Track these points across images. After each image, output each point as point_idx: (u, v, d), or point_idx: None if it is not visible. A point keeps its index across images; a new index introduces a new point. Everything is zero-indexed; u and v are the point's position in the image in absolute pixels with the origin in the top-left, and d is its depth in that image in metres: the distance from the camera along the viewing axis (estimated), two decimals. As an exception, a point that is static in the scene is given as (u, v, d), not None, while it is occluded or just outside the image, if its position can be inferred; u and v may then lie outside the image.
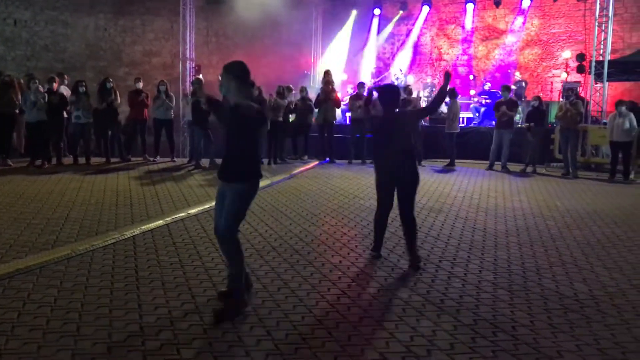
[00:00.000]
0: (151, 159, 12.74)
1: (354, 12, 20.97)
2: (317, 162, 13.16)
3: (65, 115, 11.95)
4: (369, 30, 21.34)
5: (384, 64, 21.22)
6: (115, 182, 9.94)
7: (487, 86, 17.76)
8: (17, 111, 11.76)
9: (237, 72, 4.22)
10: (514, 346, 3.73)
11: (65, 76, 13.91)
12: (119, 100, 12.66)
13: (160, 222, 6.87)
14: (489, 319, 4.17)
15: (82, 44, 19.59)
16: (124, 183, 9.82)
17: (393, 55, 21.54)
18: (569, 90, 13.08)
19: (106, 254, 5.55)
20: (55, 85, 12.15)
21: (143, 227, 6.59)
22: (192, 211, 7.54)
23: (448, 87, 6.04)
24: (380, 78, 19.10)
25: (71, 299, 4.32)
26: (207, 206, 7.85)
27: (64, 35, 19.47)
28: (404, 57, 21.21)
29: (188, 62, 17.56)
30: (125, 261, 5.34)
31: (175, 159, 12.93)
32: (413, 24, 21.06)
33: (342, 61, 21.12)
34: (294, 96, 14.10)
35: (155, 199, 8.42)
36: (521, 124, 14.78)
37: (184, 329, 3.84)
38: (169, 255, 5.57)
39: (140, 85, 12.94)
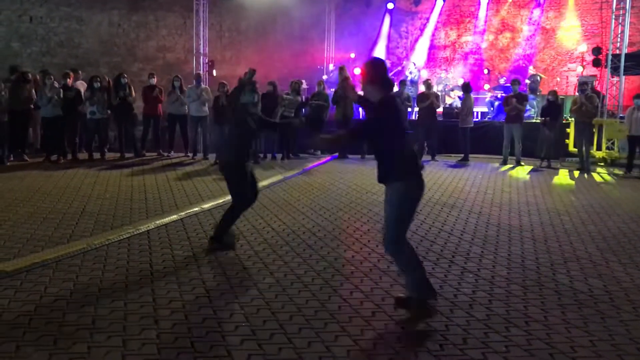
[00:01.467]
0: (165, 154, 12.82)
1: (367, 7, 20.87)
2: (329, 157, 13.16)
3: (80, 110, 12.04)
4: (381, 25, 21.24)
5: (397, 58, 21.11)
6: (130, 177, 10.02)
7: (502, 80, 17.62)
8: (32, 107, 11.88)
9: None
10: (527, 341, 3.72)
11: (80, 71, 13.97)
12: (134, 95, 12.74)
13: (174, 217, 6.92)
14: (502, 314, 4.16)
15: (96, 40, 19.71)
16: (139, 178, 9.90)
17: (406, 50, 21.44)
18: (585, 84, 12.93)
19: (121, 248, 5.61)
20: (69, 80, 12.25)
21: (157, 222, 6.65)
22: (206, 206, 7.58)
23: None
24: (393, 72, 18.99)
25: (87, 293, 4.38)
26: (220, 201, 7.89)
27: (79, 31, 19.61)
28: (417, 51, 21.09)
29: (201, 57, 17.62)
30: (140, 255, 5.39)
31: (197, 154, 12.86)
32: (427, 18, 20.92)
33: (355, 56, 21.04)
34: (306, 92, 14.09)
35: (170, 194, 8.48)
36: (536, 118, 14.65)
37: (198, 322, 3.87)
38: (183, 249, 5.62)
39: (154, 80, 13.00)
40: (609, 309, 4.35)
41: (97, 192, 8.48)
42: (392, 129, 3.99)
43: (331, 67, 19.27)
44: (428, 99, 13.26)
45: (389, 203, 4.03)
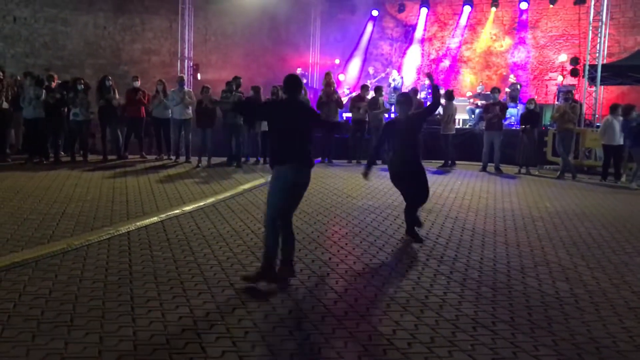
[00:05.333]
0: (154, 157, 12.86)
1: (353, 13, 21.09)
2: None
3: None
4: (363, 31, 21.47)
5: (381, 64, 21.34)
6: (112, 179, 10.07)
7: (480, 88, 17.93)
8: (6, 107, 11.75)
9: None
10: (492, 340, 3.86)
11: (55, 76, 13.69)
12: (117, 98, 12.78)
13: (155, 219, 7.00)
14: (470, 315, 4.31)
15: (81, 41, 19.70)
16: (121, 180, 9.95)
17: (390, 57, 21.69)
18: (569, 93, 13.23)
19: (101, 249, 5.68)
20: (53, 83, 12.27)
21: (138, 223, 6.73)
22: (187, 208, 7.67)
23: (440, 89, 6.78)
24: (377, 79, 19.21)
25: (66, 292, 4.45)
26: (201, 203, 7.99)
27: (64, 33, 19.58)
28: (400, 58, 21.35)
29: (186, 60, 17.70)
30: (120, 256, 5.47)
31: (180, 157, 12.91)
32: (411, 26, 21.20)
33: (340, 62, 21.24)
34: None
35: (151, 196, 8.55)
36: (516, 126, 14.92)
37: (174, 320, 3.97)
38: (162, 250, 5.70)
39: (138, 83, 13.05)
40: (573, 310, 4.51)
41: (79, 194, 8.53)
42: (269, 124, 5.31)
43: (299, 70, 19.41)
44: (415, 105, 13.46)
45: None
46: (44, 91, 11.76)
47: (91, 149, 13.33)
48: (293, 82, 5.15)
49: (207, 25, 20.60)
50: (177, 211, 7.47)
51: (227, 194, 8.78)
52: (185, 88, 13.38)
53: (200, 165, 12.04)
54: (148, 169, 11.39)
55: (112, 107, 12.60)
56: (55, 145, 12.08)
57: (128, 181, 9.85)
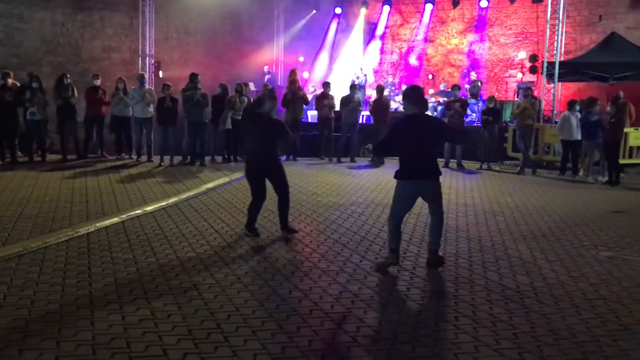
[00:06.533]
0: (115, 157, 12.61)
1: (315, 11, 21.09)
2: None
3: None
4: (328, 28, 21.51)
5: (345, 62, 21.40)
6: (72, 179, 9.84)
7: (442, 86, 18.15)
8: None
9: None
10: (454, 335, 3.91)
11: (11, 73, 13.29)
12: (76, 97, 12.49)
13: (115, 220, 6.86)
14: (432, 310, 4.35)
15: (38, 38, 19.19)
16: (80, 180, 9.73)
17: (354, 54, 21.76)
18: (528, 90, 13.49)
19: (59, 252, 5.54)
20: (10, 81, 11.91)
21: (98, 225, 6.58)
22: (149, 208, 7.54)
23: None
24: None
25: (21, 296, 4.33)
26: (163, 203, 7.87)
27: (19, 29, 19.03)
28: (364, 55, 21.45)
29: (147, 58, 17.41)
30: (79, 258, 5.34)
31: (141, 156, 12.71)
32: (374, 23, 21.31)
33: (304, 59, 21.22)
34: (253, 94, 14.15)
35: (112, 196, 8.38)
36: (476, 123, 15.14)
37: (134, 323, 3.89)
38: (123, 252, 5.59)
39: (98, 82, 12.78)
40: (533, 303, 4.60)
41: (36, 195, 8.30)
42: None
43: (266, 68, 19.36)
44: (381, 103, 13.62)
45: None
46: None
47: (50, 148, 13.00)
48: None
49: (169, 22, 20.31)
50: (138, 211, 7.34)
51: (191, 193, 8.67)
52: (146, 86, 13.17)
53: (162, 164, 11.86)
54: (109, 169, 11.16)
55: (70, 106, 12.30)
56: (11, 145, 11.73)
57: (88, 181, 9.63)
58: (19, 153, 12.20)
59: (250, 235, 6.34)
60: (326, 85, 14.37)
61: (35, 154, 12.10)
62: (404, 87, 17.70)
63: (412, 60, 20.67)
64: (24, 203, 7.72)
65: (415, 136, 5.35)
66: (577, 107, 12.21)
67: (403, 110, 6.05)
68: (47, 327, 3.77)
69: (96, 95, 12.57)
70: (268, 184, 6.55)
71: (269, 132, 6.48)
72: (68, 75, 12.68)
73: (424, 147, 5.39)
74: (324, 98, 13.85)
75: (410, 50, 21.00)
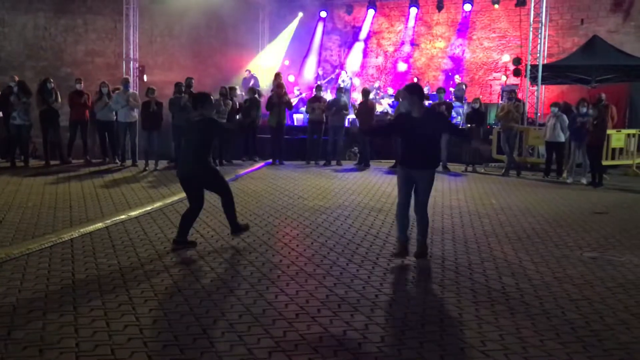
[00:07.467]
0: (99, 161, 12.50)
1: (300, 14, 21.09)
2: (263, 163, 13.19)
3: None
4: (314, 32, 21.52)
5: (330, 66, 21.43)
6: (55, 184, 9.73)
7: (426, 89, 18.21)
8: None
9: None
10: (440, 337, 3.91)
11: None
12: (59, 101, 12.38)
13: (99, 225, 6.80)
14: (419, 312, 4.35)
15: (20, 43, 18.95)
16: (64, 185, 9.63)
17: (339, 58, 21.80)
18: (512, 92, 13.60)
19: (42, 258, 5.47)
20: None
21: (82, 230, 6.52)
22: (133, 213, 7.48)
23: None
24: (327, 80, 19.28)
25: (2, 303, 4.26)
26: (148, 208, 7.81)
27: (1, 33, 18.81)
28: (350, 59, 21.48)
29: (132, 62, 17.29)
30: (62, 264, 5.28)
31: (125, 161, 12.62)
32: (359, 27, 21.35)
33: (289, 62, 21.21)
34: (241, 97, 14.10)
35: (96, 201, 8.30)
36: (461, 125, 15.21)
37: (119, 329, 3.85)
38: (107, 257, 5.54)
39: (81, 86, 12.68)
40: (518, 304, 4.62)
41: (19, 201, 8.20)
42: None
43: (246, 73, 19.33)
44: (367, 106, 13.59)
45: None
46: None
47: (33, 153, 12.86)
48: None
49: (153, 26, 20.17)
50: (122, 216, 7.28)
51: (175, 198, 8.60)
52: (130, 90, 13.08)
53: (147, 168, 11.78)
54: (93, 174, 11.06)
55: (53, 111, 12.18)
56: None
57: (72, 186, 9.54)
58: (1, 159, 12.04)
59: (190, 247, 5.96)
60: (318, 88, 14.39)
61: (17, 160, 11.95)
62: (390, 90, 17.80)
63: (401, 66, 20.71)
64: (6, 209, 7.62)
65: (415, 130, 5.68)
66: (556, 110, 12.32)
67: (405, 107, 6.10)
68: (29, 335, 3.71)
69: (80, 100, 12.47)
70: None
71: (201, 138, 5.98)
72: (51, 80, 12.56)
73: (425, 138, 5.69)
74: (316, 101, 13.81)
75: (396, 52, 21.06)
